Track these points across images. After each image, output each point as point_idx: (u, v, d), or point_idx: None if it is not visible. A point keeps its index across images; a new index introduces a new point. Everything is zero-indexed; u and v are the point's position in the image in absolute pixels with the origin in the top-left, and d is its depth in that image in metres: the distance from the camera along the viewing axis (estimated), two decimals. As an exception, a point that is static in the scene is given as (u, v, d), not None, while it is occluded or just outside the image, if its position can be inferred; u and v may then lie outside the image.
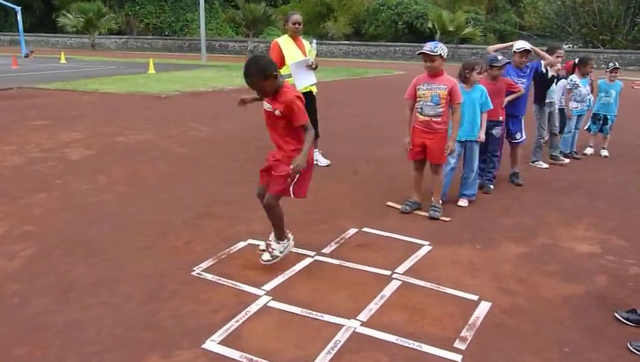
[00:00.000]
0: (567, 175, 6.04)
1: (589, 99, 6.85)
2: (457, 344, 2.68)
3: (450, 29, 32.47)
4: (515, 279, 3.45)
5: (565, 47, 35.27)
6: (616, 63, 7.08)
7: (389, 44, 36.50)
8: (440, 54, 4.23)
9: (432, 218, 4.50)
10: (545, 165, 6.24)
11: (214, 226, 4.21)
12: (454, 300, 3.14)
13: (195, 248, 3.77)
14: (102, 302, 3.01)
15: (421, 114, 4.45)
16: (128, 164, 6.08)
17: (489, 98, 4.79)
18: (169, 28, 42.25)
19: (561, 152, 6.67)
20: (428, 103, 4.37)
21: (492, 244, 4.02)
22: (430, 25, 33.25)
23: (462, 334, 2.76)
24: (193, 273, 3.37)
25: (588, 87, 6.76)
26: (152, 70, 18.65)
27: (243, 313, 2.90)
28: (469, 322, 2.89)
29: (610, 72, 6.93)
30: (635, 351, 2.64)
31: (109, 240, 3.88)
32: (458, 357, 2.57)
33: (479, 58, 5.12)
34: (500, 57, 5.09)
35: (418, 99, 4.44)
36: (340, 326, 2.79)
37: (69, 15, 36.50)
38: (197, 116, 9.71)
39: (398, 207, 4.75)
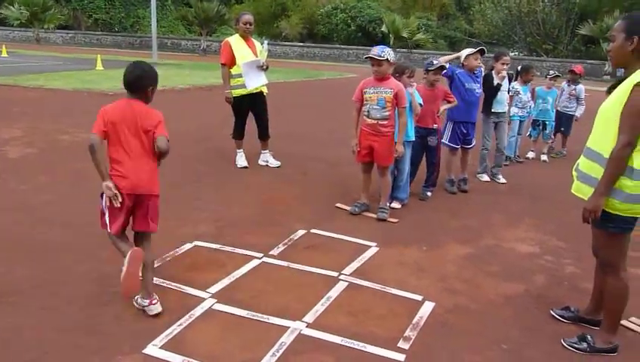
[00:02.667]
0: (510, 178, 6.24)
1: (530, 106, 7.10)
2: (401, 344, 2.72)
3: (404, 34, 33.06)
4: (459, 279, 3.53)
5: (512, 54, 36.65)
6: (556, 72, 7.42)
7: (343, 46, 36.80)
8: (387, 59, 4.31)
9: (380, 219, 4.55)
10: (486, 178, 6.20)
11: (160, 228, 4.08)
12: (399, 300, 3.19)
13: (139, 250, 3.66)
14: (42, 306, 2.88)
15: (368, 117, 4.52)
16: (73, 163, 5.85)
17: (417, 104, 4.87)
18: (119, 24, 41.06)
19: (508, 158, 6.84)
20: (374, 106, 4.46)
21: (438, 245, 4.11)
22: (384, 29, 33.74)
23: (406, 334, 2.81)
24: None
25: (529, 94, 7.01)
26: (100, 67, 18.06)
27: (187, 316, 2.84)
28: (413, 322, 2.94)
29: (551, 79, 7.22)
30: (569, 347, 2.76)
31: (50, 242, 3.72)
32: (401, 356, 2.61)
33: (409, 62, 5.15)
34: (435, 62, 5.15)
35: (365, 102, 4.51)
36: (286, 328, 2.78)
37: (11, 7, 34.84)
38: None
39: (347, 208, 4.78)
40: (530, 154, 7.54)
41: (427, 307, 3.12)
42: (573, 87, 7.58)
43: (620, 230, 2.58)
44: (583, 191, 2.65)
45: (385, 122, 4.48)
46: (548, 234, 4.52)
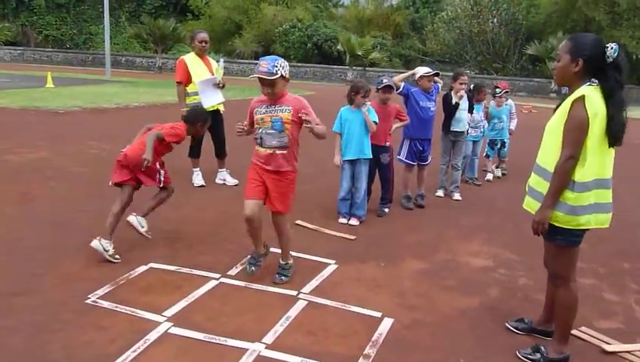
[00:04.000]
0: (465, 193, 6.40)
1: (483, 125, 7.09)
2: (361, 361, 2.72)
3: (359, 52, 33.63)
4: (416, 294, 3.58)
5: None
6: (505, 89, 7.37)
7: (299, 64, 37.07)
8: (281, 75, 3.33)
9: (276, 283, 3.56)
10: (441, 193, 6.31)
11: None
12: (358, 318, 3.20)
13: (92, 274, 3.54)
14: (-20, 338, 2.73)
15: (262, 146, 3.49)
16: (19, 185, 5.63)
17: (371, 123, 4.89)
18: (71, 41, 40.04)
19: (471, 178, 6.99)
20: (268, 131, 3.43)
21: (395, 261, 4.15)
22: (340, 47, 34.22)
23: (365, 351, 2.81)
24: (88, 301, 3.16)
25: (482, 113, 7.00)
26: (50, 84, 17.53)
27: (142, 341, 2.75)
28: (373, 339, 2.94)
29: (499, 97, 7.22)
30: (523, 358, 2.82)
31: (-9, 269, 3.54)
32: (361, 374, 2.61)
33: (365, 81, 5.17)
34: (384, 80, 5.24)
35: (256, 125, 3.51)
36: (244, 350, 2.74)
37: (-46, 23, 33.48)
38: (98, 134, 9.22)
39: (308, 225, 4.78)
40: (489, 176, 7.41)
41: (386, 323, 3.13)
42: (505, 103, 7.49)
43: (568, 243, 2.68)
44: (531, 206, 2.75)
45: (284, 151, 3.45)
46: (501, 247, 4.64)
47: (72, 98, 14.50)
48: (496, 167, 7.68)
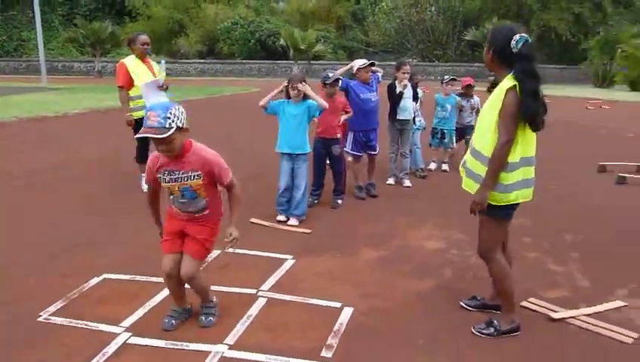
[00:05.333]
0: (415, 180, 6.57)
1: (416, 111, 6.84)
2: (324, 352, 2.76)
3: (302, 46, 33.64)
4: (373, 282, 3.66)
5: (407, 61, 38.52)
6: (451, 75, 7.43)
7: (244, 61, 36.74)
8: (177, 127, 2.66)
9: (204, 326, 3.01)
10: (392, 181, 6.42)
11: (63, 263, 3.86)
12: (319, 310, 3.24)
13: (41, 290, 3.42)
14: None
15: (179, 209, 2.94)
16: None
17: (317, 110, 4.86)
18: (1, 48, 38.09)
19: (417, 170, 6.96)
20: (180, 200, 2.89)
21: (351, 251, 4.22)
22: (282, 42, 34.12)
23: (328, 342, 2.86)
24: (40, 319, 3.06)
25: (417, 103, 6.84)
26: (-20, 95, 16.66)
27: (100, 355, 2.69)
28: (334, 329, 2.99)
29: (447, 83, 7.15)
30: (477, 333, 2.95)
31: None
32: (325, 365, 2.66)
33: (301, 74, 5.13)
34: (330, 74, 5.30)
35: (166, 189, 2.94)
36: (207, 352, 2.73)
37: None
38: (34, 145, 8.86)
39: (263, 223, 4.79)
40: (432, 165, 7.36)
41: (346, 313, 3.19)
42: (472, 100, 7.32)
43: (501, 217, 2.87)
44: (470, 186, 2.89)
45: (205, 212, 2.94)
46: (451, 229, 4.80)
47: (7, 107, 13.82)
48: (443, 162, 7.40)
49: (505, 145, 2.67)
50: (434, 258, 4.14)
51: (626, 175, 6.80)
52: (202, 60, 37.56)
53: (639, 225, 5.02)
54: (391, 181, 6.46)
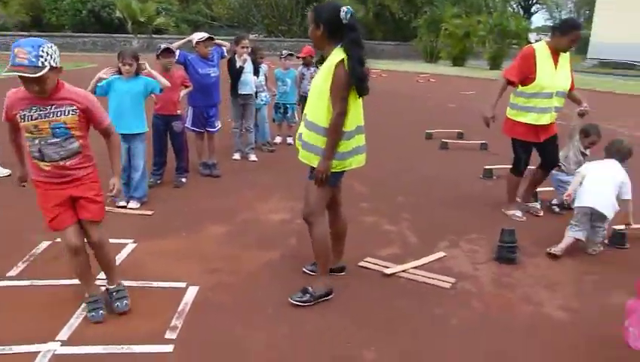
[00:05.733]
0: (260, 154, 6.62)
1: (261, 86, 6.77)
2: (168, 334, 2.70)
3: (141, 19, 31.59)
4: (219, 258, 3.64)
5: (252, 36, 38.30)
6: (289, 51, 7.51)
7: (76, 34, 33.39)
8: (50, 66, 2.46)
9: (122, 312, 2.87)
10: (238, 156, 6.38)
11: None
12: (163, 293, 3.15)
13: None
14: None
15: (42, 160, 2.62)
16: None
17: (157, 86, 4.65)
18: None
19: (264, 144, 6.98)
20: (50, 141, 2.59)
21: (196, 229, 4.15)
22: (119, 14, 31.69)
23: (172, 324, 2.79)
24: None
25: (262, 77, 6.75)
26: None
27: None
28: (179, 310, 2.93)
29: (285, 58, 7.22)
30: (295, 303, 3.01)
31: None
32: (169, 347, 2.60)
33: (144, 47, 4.82)
34: (162, 46, 5.09)
35: (28, 134, 2.60)
36: (36, 353, 2.50)
37: None
38: None
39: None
40: (278, 139, 7.37)
41: (191, 292, 3.14)
42: (312, 69, 7.08)
43: (331, 183, 3.02)
44: (309, 158, 2.99)
45: (75, 160, 2.68)
46: (296, 200, 4.89)
47: None
48: (288, 136, 7.39)
49: (340, 116, 2.81)
50: (279, 229, 4.24)
51: (448, 140, 7.61)
52: (25, 32, 33.31)
53: (455, 187, 5.66)
54: (237, 156, 6.44)
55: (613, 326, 2.83)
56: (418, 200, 5.09)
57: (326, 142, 2.86)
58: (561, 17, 43.94)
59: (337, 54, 2.83)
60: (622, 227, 4.10)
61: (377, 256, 3.74)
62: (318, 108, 2.90)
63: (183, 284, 3.23)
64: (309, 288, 3.06)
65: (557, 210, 4.83)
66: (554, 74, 4.34)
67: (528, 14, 52.58)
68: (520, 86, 4.43)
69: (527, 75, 4.34)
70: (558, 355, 2.69)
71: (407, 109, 11.66)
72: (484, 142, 7.50)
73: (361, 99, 2.98)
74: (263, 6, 37.04)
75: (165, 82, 4.70)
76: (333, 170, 2.94)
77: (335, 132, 2.83)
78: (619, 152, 4.07)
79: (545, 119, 4.40)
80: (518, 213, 4.65)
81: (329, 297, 3.09)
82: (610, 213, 3.82)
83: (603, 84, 18.53)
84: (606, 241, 4.03)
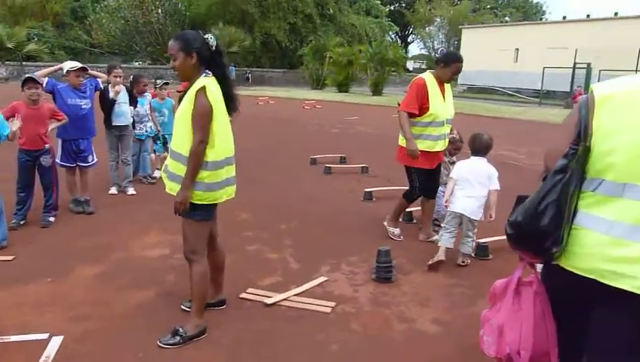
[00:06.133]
0: (138, 188, 6.33)
1: (145, 116, 6.63)
2: (24, 393, 2.44)
3: (9, 45, 29.24)
4: (88, 303, 3.38)
5: (136, 64, 37.03)
6: (164, 80, 7.16)
7: None
8: None
9: None
10: (115, 191, 6.08)
11: None
12: (20, 347, 2.85)
13: None
14: None
15: None
16: None
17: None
18: None
19: (144, 177, 6.70)
20: None
21: (64, 272, 3.83)
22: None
23: (28, 381, 2.53)
24: None
25: (147, 107, 6.67)
26: None
27: None
28: (38, 365, 2.67)
29: (160, 88, 6.94)
30: (164, 346, 2.87)
31: None
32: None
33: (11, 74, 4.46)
34: (27, 76, 4.73)
35: None
36: None
37: None
38: None
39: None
40: (157, 173, 6.69)
41: (54, 343, 2.88)
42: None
43: (205, 217, 2.94)
44: (173, 188, 2.91)
45: None
46: (177, 234, 4.72)
47: None
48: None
49: (200, 144, 2.76)
50: (157, 265, 4.05)
51: (331, 165, 7.83)
52: None
53: (337, 211, 5.82)
54: (113, 191, 6.08)
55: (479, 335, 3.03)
56: (301, 226, 5.15)
57: (185, 171, 2.79)
58: (433, 47, 47.73)
59: (199, 83, 2.80)
60: (486, 240, 4.44)
61: (259, 286, 3.70)
62: (180, 137, 2.85)
63: (44, 336, 2.95)
64: (180, 329, 2.92)
65: (436, 229, 4.87)
66: (443, 102, 4.55)
67: (405, 44, 56.51)
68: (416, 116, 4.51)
69: (422, 105, 4.47)
70: (431, 368, 2.82)
71: (292, 135, 11.85)
72: (364, 165, 7.82)
73: (229, 128, 2.98)
74: (146, 33, 36.04)
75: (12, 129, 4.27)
76: (204, 202, 2.88)
77: (194, 160, 2.77)
78: (483, 147, 4.23)
79: (439, 146, 4.59)
80: (397, 232, 4.83)
81: (202, 337, 2.98)
82: (478, 216, 4.15)
83: (470, 107, 20.26)
84: (472, 254, 4.34)
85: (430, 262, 4.07)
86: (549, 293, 2.10)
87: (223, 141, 2.88)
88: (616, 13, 30.04)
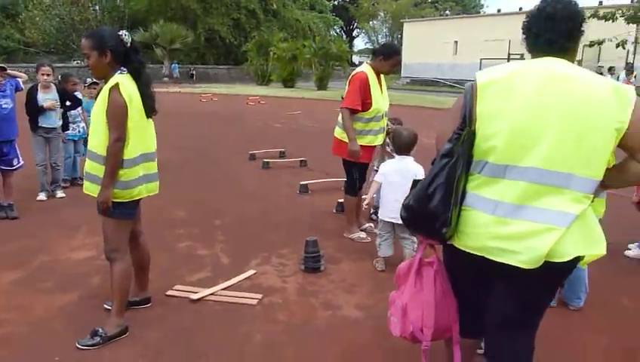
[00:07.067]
0: (69, 191, 6.15)
1: (78, 117, 6.49)
2: None
3: None
4: (9, 308, 3.29)
5: (74, 62, 35.65)
6: (93, 79, 6.74)
7: None
8: None
9: None
10: (44, 196, 5.82)
11: None
12: None
13: None
14: None
15: None
16: None
17: None
18: None
19: (74, 178, 6.51)
20: None
21: (-18, 280, 3.70)
22: None
23: None
24: None
25: (79, 109, 6.43)
26: None
27: None
28: (-54, 374, 2.58)
29: (89, 87, 6.75)
30: (83, 348, 2.82)
31: None
32: None
33: None
34: None
35: None
36: None
37: None
38: None
39: None
40: None
41: (-34, 352, 2.79)
42: None
43: (125, 215, 2.92)
44: (91, 189, 2.87)
45: None
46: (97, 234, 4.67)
47: None
48: None
49: (117, 142, 2.74)
50: (82, 268, 3.97)
51: (270, 160, 7.85)
52: None
53: (272, 205, 5.86)
54: (42, 197, 5.83)
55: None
56: (235, 221, 5.16)
57: (104, 170, 2.77)
58: (378, 40, 48.35)
59: (113, 80, 2.78)
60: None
61: (187, 283, 3.70)
62: (96, 137, 2.81)
63: (-44, 347, 2.85)
64: (99, 329, 2.89)
65: (374, 217, 4.95)
66: (382, 95, 4.53)
67: (350, 38, 56.98)
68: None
69: (364, 100, 4.39)
70: (355, 350, 2.91)
71: (234, 131, 11.78)
72: (303, 159, 7.89)
73: (151, 126, 2.98)
74: (83, 31, 34.68)
75: None
76: (123, 200, 2.86)
77: (111, 159, 2.74)
78: (404, 145, 3.99)
79: (379, 140, 4.58)
80: (363, 235, 4.70)
81: (124, 336, 2.96)
82: None
83: (414, 99, 20.73)
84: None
85: (376, 266, 4.02)
86: (449, 272, 2.23)
87: (138, 138, 2.86)
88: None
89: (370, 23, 49.70)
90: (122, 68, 2.84)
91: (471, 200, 1.93)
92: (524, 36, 2.01)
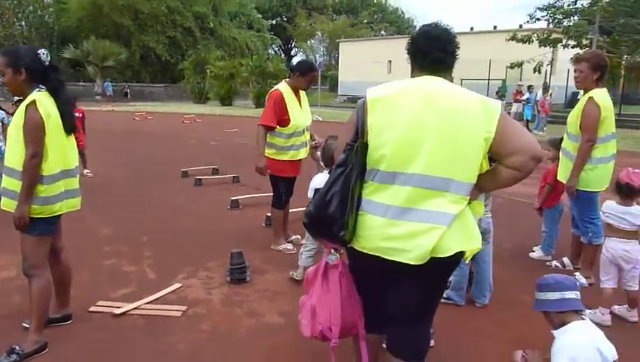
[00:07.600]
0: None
1: None
2: None
3: None
4: None
5: (-2, 80, 34.00)
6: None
7: None
8: None
9: None
10: None
11: None
12: None
13: None
14: None
15: None
16: None
17: None
18: None
19: None
20: None
21: None
22: None
23: None
24: None
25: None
26: None
27: None
28: None
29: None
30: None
31: None
32: None
33: None
34: None
35: None
36: None
37: None
38: None
39: None
40: None
41: None
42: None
43: (44, 231, 2.94)
44: (8, 205, 2.88)
45: None
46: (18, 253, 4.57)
47: None
48: None
49: (33, 158, 2.77)
50: (0, 288, 3.89)
51: (202, 177, 7.89)
52: None
53: (203, 221, 5.92)
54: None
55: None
56: (163, 237, 5.18)
57: (21, 186, 2.79)
58: (316, 59, 49.19)
59: (31, 97, 2.82)
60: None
61: (111, 298, 3.71)
62: (13, 152, 2.84)
63: None
64: (17, 347, 2.87)
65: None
66: (301, 111, 4.68)
67: (289, 56, 57.60)
68: (277, 127, 4.57)
69: (281, 117, 4.51)
70: (277, 353, 3.04)
71: (168, 149, 11.69)
72: (236, 175, 7.98)
73: (73, 142, 3.03)
74: (8, 47, 33.26)
75: None
76: (43, 216, 2.88)
77: (29, 175, 2.77)
78: (330, 158, 3.81)
79: (302, 154, 4.71)
80: (289, 246, 4.81)
81: (42, 353, 2.95)
82: None
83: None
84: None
85: (292, 276, 4.11)
86: (352, 273, 2.42)
87: (58, 154, 2.90)
88: (471, 28, 33.10)
89: (308, 42, 50.48)
90: (41, 86, 2.88)
91: (365, 205, 2.13)
92: (412, 55, 2.27)
